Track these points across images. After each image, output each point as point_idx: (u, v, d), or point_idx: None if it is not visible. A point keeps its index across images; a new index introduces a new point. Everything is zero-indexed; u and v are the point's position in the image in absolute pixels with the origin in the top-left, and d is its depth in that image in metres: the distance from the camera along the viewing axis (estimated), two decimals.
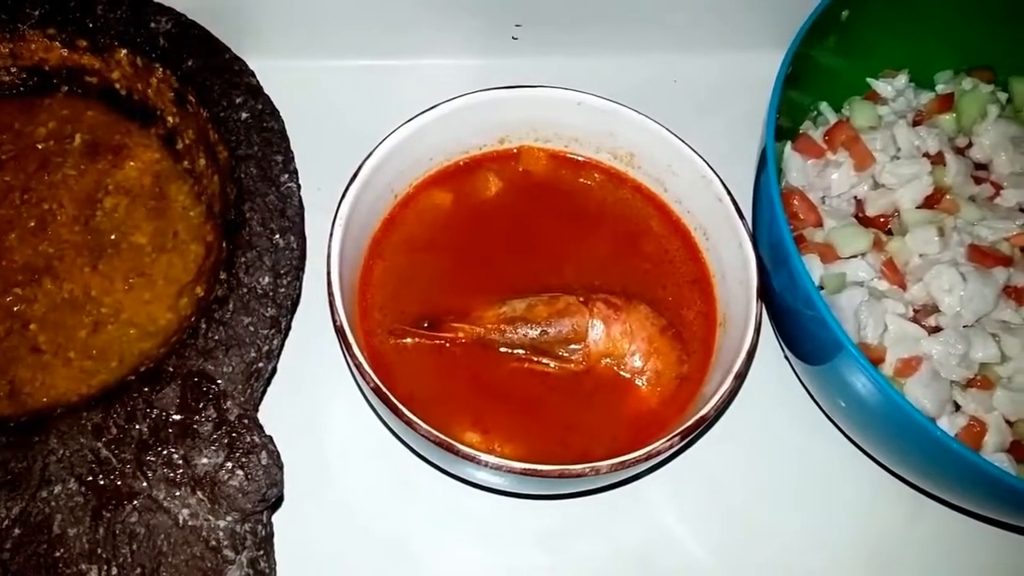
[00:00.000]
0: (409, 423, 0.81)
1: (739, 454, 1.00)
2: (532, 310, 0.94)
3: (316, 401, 0.95)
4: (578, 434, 0.91)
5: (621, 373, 0.94)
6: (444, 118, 0.98)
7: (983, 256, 0.95)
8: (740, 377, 0.86)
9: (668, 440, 0.83)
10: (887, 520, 0.98)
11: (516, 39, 1.24)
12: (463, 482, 0.95)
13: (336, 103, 1.13)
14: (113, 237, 0.87)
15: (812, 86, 1.05)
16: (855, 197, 1.03)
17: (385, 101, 1.11)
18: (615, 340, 0.94)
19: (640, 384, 0.94)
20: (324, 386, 0.96)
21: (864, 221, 1.02)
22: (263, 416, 0.80)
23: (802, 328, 0.90)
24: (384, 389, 0.83)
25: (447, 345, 0.93)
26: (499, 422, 0.91)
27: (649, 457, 0.82)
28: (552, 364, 0.94)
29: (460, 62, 1.22)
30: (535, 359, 0.94)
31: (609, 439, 0.91)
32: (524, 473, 0.81)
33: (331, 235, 0.88)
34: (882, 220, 1.02)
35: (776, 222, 0.86)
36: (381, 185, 0.97)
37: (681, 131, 0.98)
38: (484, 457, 0.81)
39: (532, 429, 0.91)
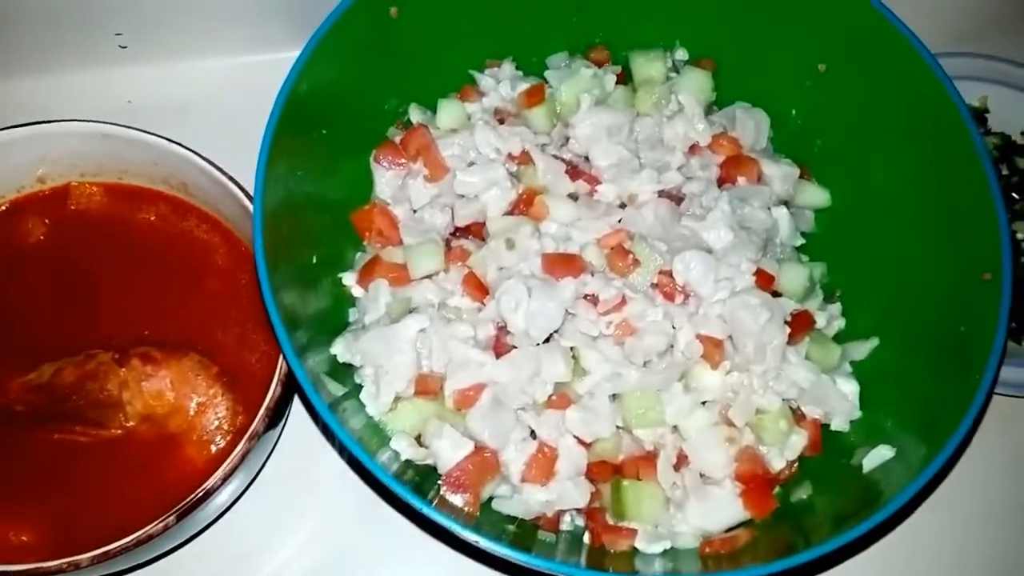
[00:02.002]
0: None
1: (279, 506, 0.95)
2: (60, 375, 0.85)
3: None
4: (116, 508, 0.83)
5: (168, 433, 0.85)
6: None
7: (554, 266, 0.87)
8: (255, 437, 0.78)
9: (162, 522, 0.75)
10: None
11: (124, 47, 1.13)
12: None
13: None
14: None
15: (394, 87, 0.96)
16: (449, 207, 0.94)
17: None
18: (156, 398, 0.85)
19: (189, 443, 0.85)
20: None
21: (461, 232, 0.94)
22: None
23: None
24: None
25: None
26: (19, 506, 0.82)
27: (139, 543, 0.74)
28: (87, 433, 0.85)
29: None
30: (68, 429, 0.85)
31: (152, 509, 0.82)
32: None
33: None
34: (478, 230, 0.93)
35: (259, 273, 0.76)
36: None
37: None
38: None
39: (61, 509, 0.83)
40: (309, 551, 0.92)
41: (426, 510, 0.70)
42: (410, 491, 0.71)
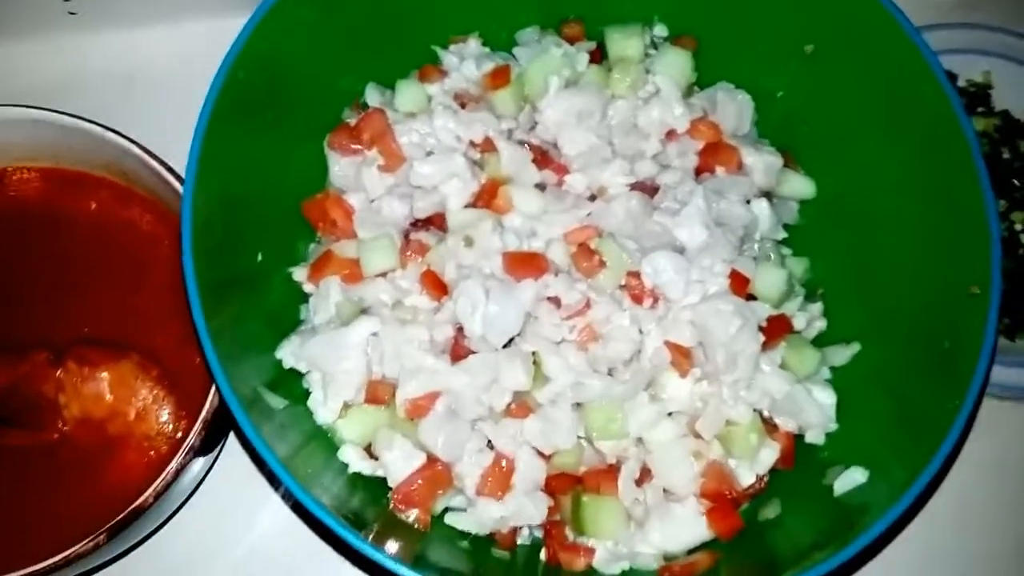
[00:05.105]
0: None
1: (226, 516, 0.91)
2: None
3: None
4: (55, 515, 0.80)
5: (107, 437, 0.82)
6: None
7: (515, 266, 0.81)
8: (190, 451, 0.74)
9: (92, 540, 0.71)
10: None
11: (73, 14, 1.06)
12: None
13: None
14: None
15: (349, 63, 0.89)
16: (408, 196, 0.88)
17: None
18: (94, 401, 0.81)
19: (129, 448, 0.81)
20: None
21: (422, 224, 0.88)
22: None
23: None
24: None
25: None
26: None
27: (68, 563, 0.71)
28: (23, 437, 0.81)
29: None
30: (3, 433, 0.81)
31: (93, 516, 0.78)
32: None
33: None
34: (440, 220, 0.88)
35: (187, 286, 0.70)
36: None
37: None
38: None
39: None
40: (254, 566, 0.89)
41: (361, 546, 0.66)
42: (345, 525, 0.67)
